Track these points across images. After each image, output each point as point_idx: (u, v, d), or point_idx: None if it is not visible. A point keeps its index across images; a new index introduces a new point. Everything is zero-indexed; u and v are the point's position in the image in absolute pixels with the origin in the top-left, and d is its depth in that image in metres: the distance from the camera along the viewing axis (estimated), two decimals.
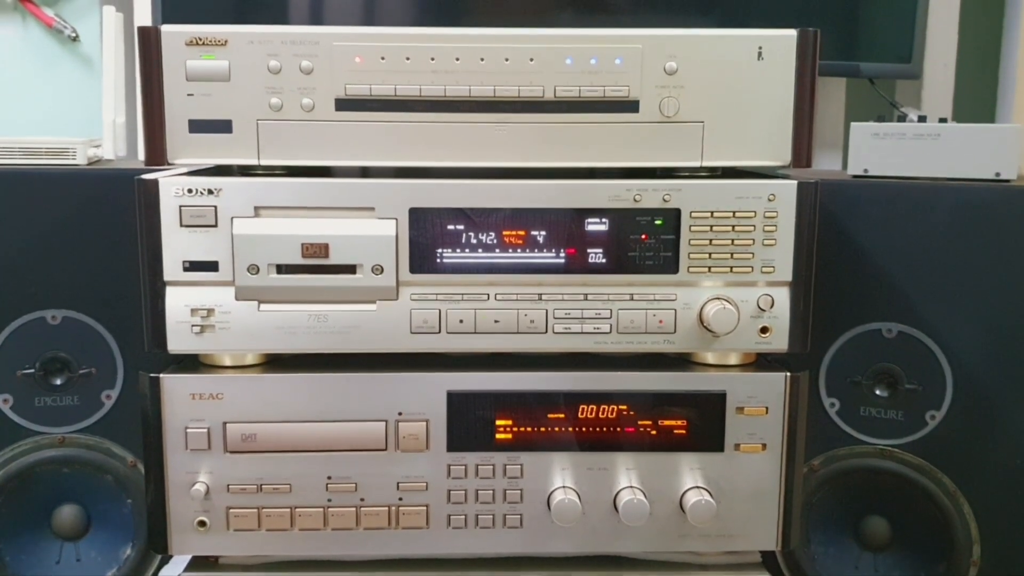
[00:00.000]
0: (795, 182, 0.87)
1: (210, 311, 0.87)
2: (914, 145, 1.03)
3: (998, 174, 1.01)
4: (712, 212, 0.88)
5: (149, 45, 0.85)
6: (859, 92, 1.40)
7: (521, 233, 0.88)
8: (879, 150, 1.03)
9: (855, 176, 1.04)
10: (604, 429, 0.91)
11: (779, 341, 0.89)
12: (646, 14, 1.23)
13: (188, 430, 0.89)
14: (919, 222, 0.99)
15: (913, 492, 1.02)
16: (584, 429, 0.91)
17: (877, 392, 1.02)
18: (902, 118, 1.09)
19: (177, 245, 0.86)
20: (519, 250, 0.88)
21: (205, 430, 0.89)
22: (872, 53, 1.25)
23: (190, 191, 0.86)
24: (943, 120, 1.04)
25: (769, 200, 0.87)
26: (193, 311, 0.87)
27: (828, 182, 0.97)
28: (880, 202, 0.99)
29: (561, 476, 0.91)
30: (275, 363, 0.92)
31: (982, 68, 1.44)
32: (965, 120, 1.06)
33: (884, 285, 1.00)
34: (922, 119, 1.06)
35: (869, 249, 1.00)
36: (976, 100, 1.44)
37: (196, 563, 0.94)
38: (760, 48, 0.86)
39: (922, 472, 1.01)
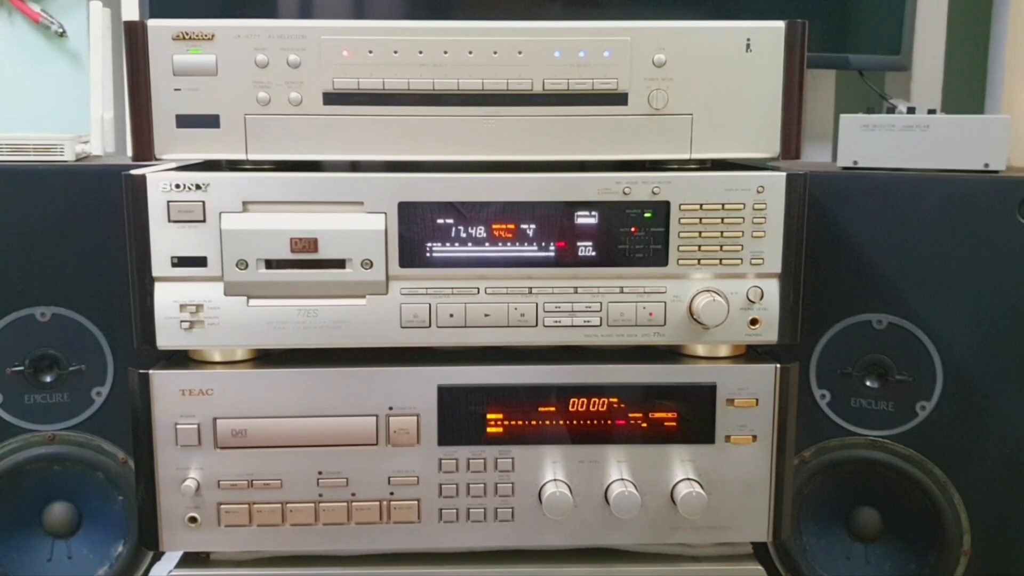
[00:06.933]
0: (784, 174, 0.87)
1: (199, 307, 0.87)
2: (903, 137, 1.03)
3: (987, 165, 1.01)
4: (701, 204, 0.87)
5: (136, 40, 0.84)
6: (848, 84, 1.40)
7: (511, 227, 0.88)
8: (868, 142, 1.03)
9: (845, 168, 1.04)
10: (595, 422, 0.91)
11: (769, 333, 0.89)
12: (634, 7, 1.23)
13: (178, 426, 0.88)
14: (909, 213, 0.99)
15: (904, 483, 1.02)
16: (575, 422, 0.91)
17: (868, 383, 1.02)
18: (891, 110, 1.09)
19: (165, 241, 0.86)
20: (509, 244, 0.88)
21: (195, 426, 0.88)
22: (861, 45, 1.25)
23: (178, 186, 0.85)
24: (932, 111, 1.04)
25: (758, 192, 0.87)
26: (182, 307, 0.87)
27: (817, 174, 0.97)
28: (870, 194, 0.99)
29: (552, 469, 0.91)
30: (265, 358, 0.92)
31: (971, 59, 1.44)
32: (954, 111, 1.06)
33: (874, 276, 1.00)
34: (911, 111, 1.06)
35: (859, 241, 1.00)
36: (965, 91, 1.44)
37: (187, 559, 0.94)
38: (748, 40, 0.86)
39: (913, 463, 1.02)
